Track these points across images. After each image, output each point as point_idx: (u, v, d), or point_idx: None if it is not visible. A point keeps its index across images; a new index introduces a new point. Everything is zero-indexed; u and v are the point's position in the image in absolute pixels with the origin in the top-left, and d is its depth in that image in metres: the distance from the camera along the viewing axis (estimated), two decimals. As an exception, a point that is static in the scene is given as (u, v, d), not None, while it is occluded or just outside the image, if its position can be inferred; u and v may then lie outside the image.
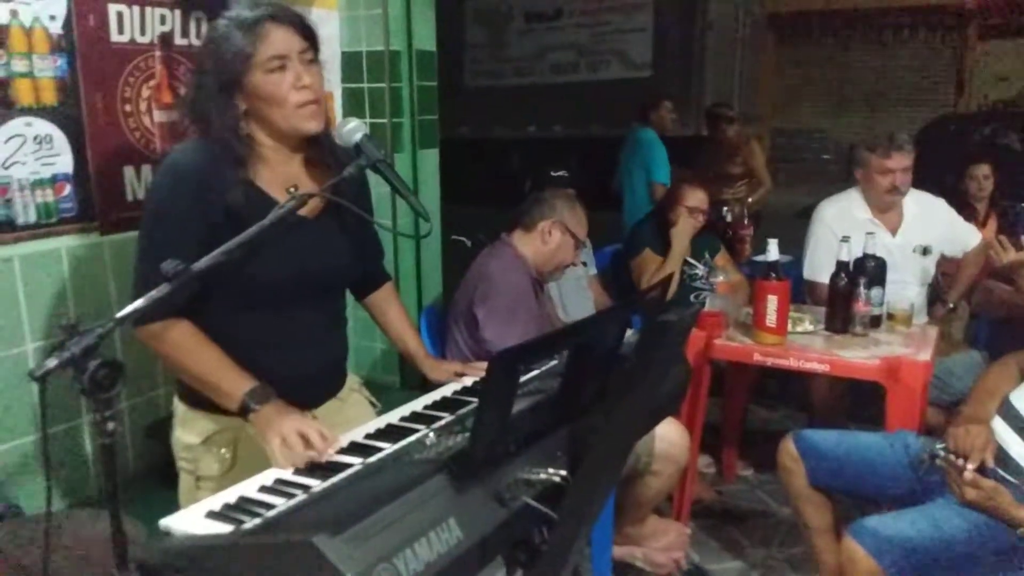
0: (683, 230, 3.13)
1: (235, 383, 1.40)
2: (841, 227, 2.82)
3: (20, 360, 1.99)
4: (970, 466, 1.79)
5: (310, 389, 1.60)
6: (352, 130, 1.46)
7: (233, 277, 1.40)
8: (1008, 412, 1.91)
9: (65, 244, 2.08)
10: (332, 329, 1.66)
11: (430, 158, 3.10)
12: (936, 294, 3.18)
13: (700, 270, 3.24)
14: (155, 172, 2.21)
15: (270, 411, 1.36)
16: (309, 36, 1.46)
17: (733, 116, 5.05)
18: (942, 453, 1.87)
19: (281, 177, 1.50)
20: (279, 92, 1.42)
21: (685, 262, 3.21)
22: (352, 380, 1.77)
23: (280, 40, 1.41)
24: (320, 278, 1.56)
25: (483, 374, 1.72)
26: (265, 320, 1.51)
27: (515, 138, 7.88)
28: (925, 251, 2.92)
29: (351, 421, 1.59)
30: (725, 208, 4.32)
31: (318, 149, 1.55)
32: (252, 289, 1.46)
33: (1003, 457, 1.84)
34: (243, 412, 1.38)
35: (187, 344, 1.43)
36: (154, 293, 1.14)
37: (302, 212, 1.42)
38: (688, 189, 3.28)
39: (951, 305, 3.12)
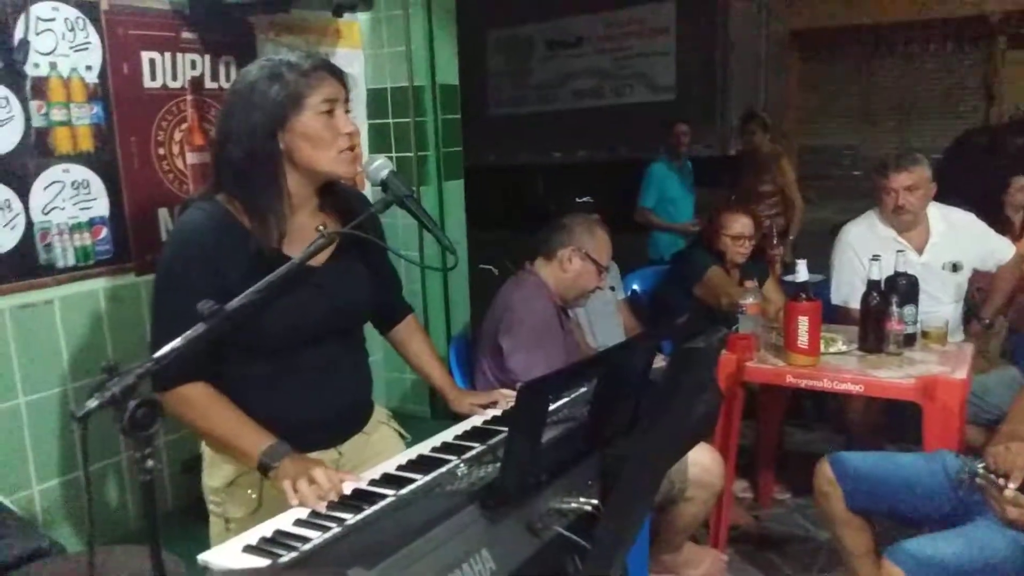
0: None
1: (251, 442, 1.43)
2: (866, 248, 2.79)
3: (61, 400, 2.03)
4: (1012, 485, 1.75)
5: (333, 428, 1.62)
6: (379, 168, 1.49)
7: (242, 327, 1.39)
8: (1048, 429, 1.87)
9: (102, 285, 2.13)
10: (351, 366, 1.65)
11: (455, 189, 3.14)
12: (972, 310, 3.12)
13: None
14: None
15: (287, 465, 1.39)
16: (347, 89, 1.52)
17: (767, 122, 4.94)
18: (981, 471, 1.83)
19: (298, 235, 1.50)
20: (327, 135, 1.46)
21: None
22: (380, 413, 1.77)
23: (331, 87, 1.47)
24: (328, 323, 1.56)
25: (507, 400, 1.74)
26: (278, 366, 1.52)
27: (540, 164, 7.93)
28: (955, 267, 2.88)
29: (379, 455, 1.60)
30: None
31: (332, 197, 1.58)
32: (260, 339, 1.48)
33: (1044, 475, 1.80)
34: (262, 470, 1.42)
35: (202, 405, 1.46)
36: (190, 333, 1.17)
37: (309, 262, 1.42)
38: (729, 216, 3.19)
39: (987, 321, 3.07)
